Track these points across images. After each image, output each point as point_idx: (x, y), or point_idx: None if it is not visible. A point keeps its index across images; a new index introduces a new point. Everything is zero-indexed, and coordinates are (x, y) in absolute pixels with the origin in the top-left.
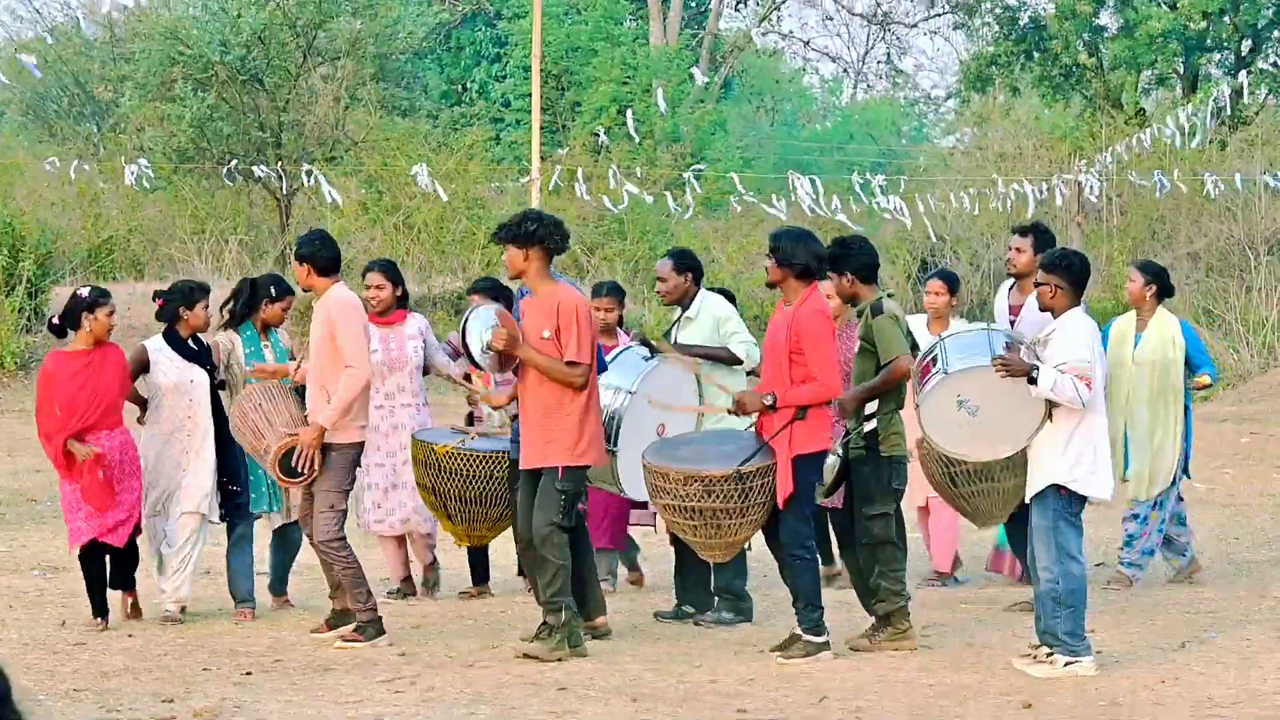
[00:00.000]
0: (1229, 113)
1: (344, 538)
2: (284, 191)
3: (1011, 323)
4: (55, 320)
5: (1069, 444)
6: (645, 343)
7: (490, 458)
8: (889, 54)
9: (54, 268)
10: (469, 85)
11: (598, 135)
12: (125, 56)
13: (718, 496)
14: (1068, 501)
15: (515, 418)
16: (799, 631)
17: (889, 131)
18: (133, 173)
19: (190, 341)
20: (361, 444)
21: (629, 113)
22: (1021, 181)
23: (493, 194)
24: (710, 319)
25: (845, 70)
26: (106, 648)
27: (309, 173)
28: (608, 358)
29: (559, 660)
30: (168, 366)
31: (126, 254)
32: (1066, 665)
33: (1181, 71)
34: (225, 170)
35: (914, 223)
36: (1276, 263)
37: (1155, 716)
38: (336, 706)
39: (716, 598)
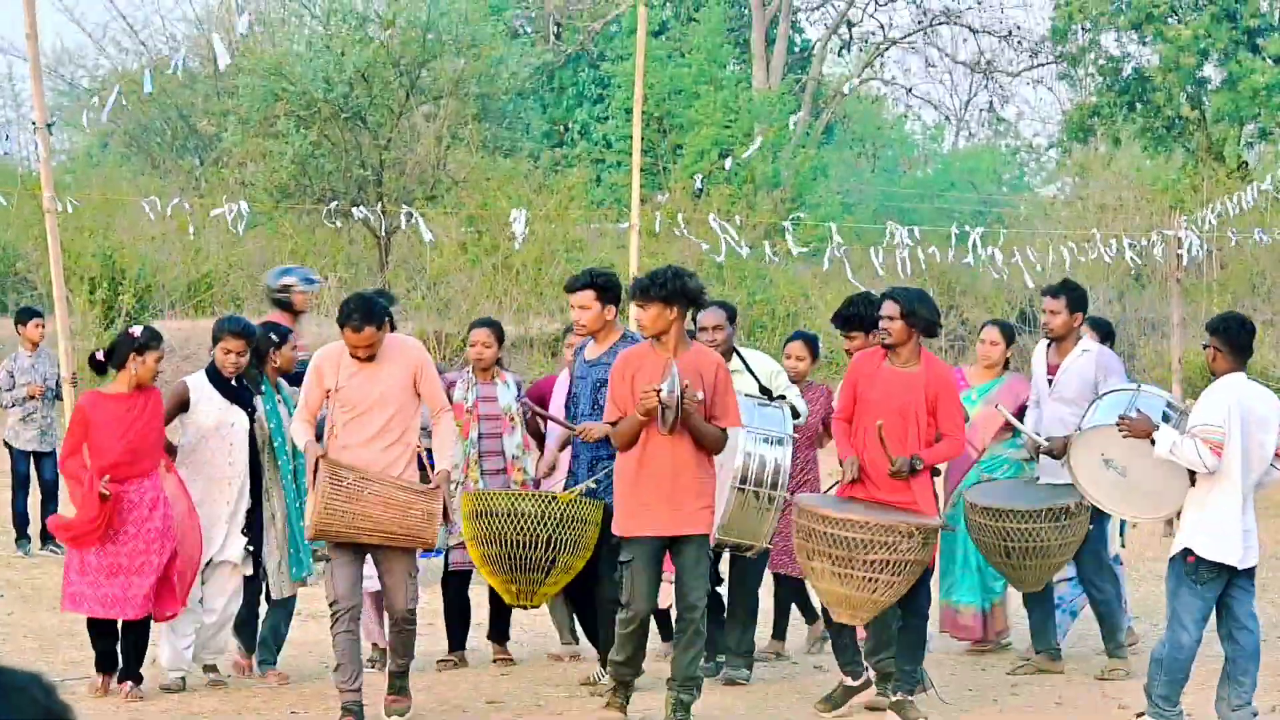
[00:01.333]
0: None
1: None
2: (383, 230)
3: (1049, 382)
4: (100, 356)
5: (1203, 509)
6: (764, 390)
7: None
8: (991, 102)
9: (153, 301)
10: (570, 126)
11: (696, 179)
12: (229, 91)
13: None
14: (1194, 568)
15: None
16: (891, 692)
17: (990, 179)
18: (230, 211)
19: (233, 381)
20: None
21: (726, 159)
22: (1120, 235)
23: (592, 236)
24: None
25: (947, 117)
26: (194, 688)
27: (409, 214)
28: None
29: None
30: (208, 406)
31: (226, 289)
32: None
33: None
34: (325, 210)
35: (1011, 273)
36: None
37: None
38: None
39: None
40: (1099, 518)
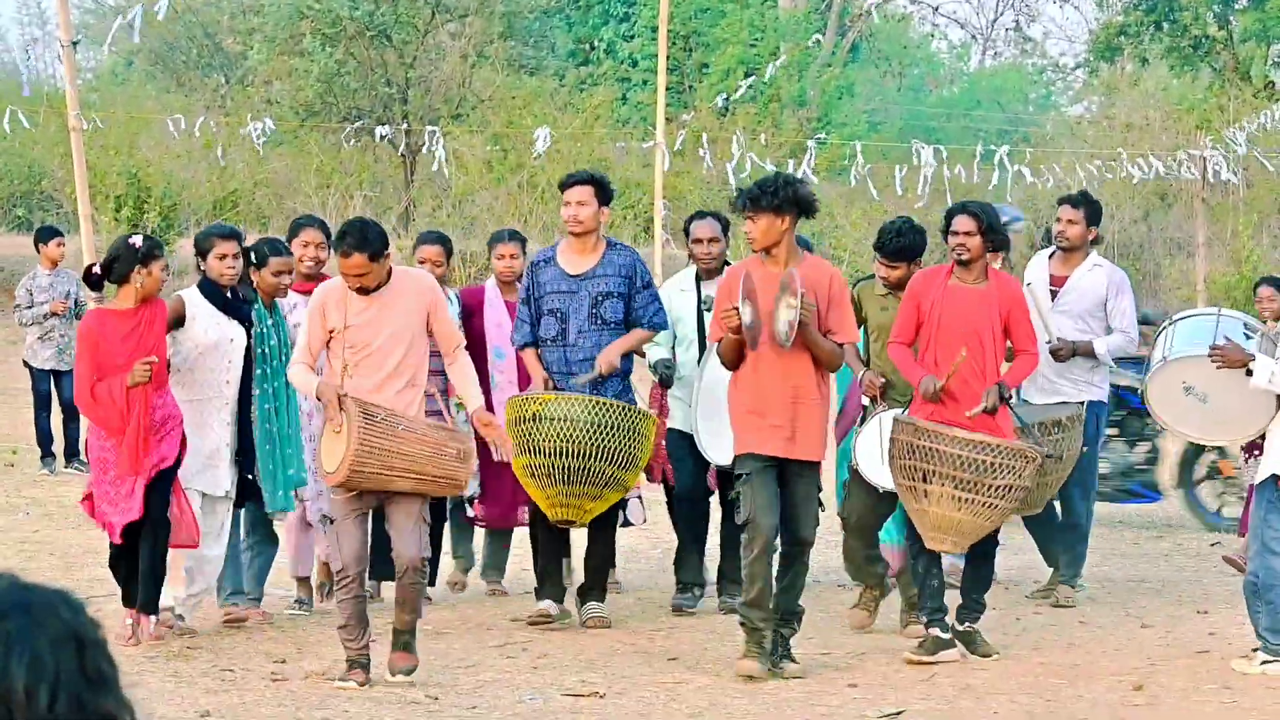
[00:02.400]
0: None
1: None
2: (409, 148)
3: (1053, 293)
4: (96, 270)
5: None
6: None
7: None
8: (1018, 21)
9: (178, 220)
10: (596, 45)
11: (724, 98)
12: (254, 9)
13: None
14: None
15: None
16: (959, 622)
17: (1016, 99)
18: (256, 129)
19: (228, 294)
20: None
21: (750, 78)
22: (1147, 154)
23: (617, 154)
24: None
25: (973, 36)
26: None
27: (433, 133)
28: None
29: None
30: (206, 322)
31: (251, 207)
32: (1264, 664)
33: None
34: (350, 129)
35: (1038, 193)
36: None
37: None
38: (449, 671)
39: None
40: (1092, 443)
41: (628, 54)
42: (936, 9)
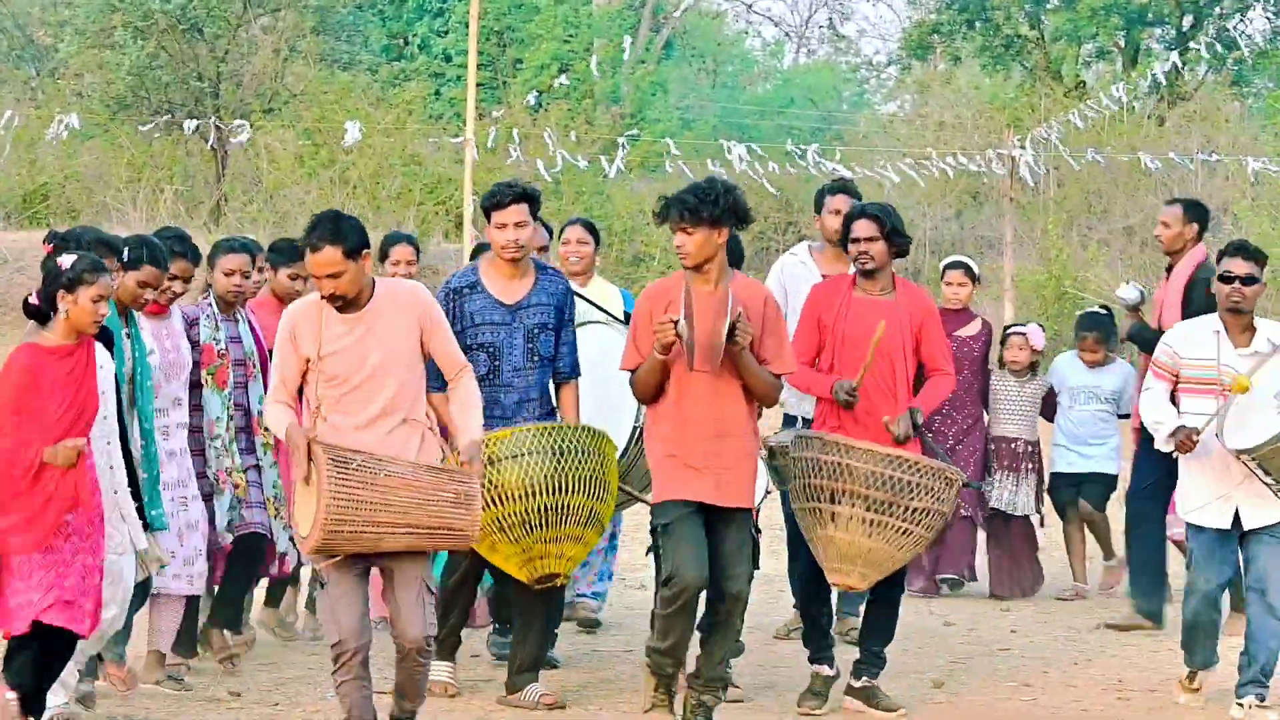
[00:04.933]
0: (1167, 88)
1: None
2: (220, 143)
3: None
4: (33, 300)
5: None
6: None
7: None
8: (831, 18)
9: None
10: (410, 40)
11: (536, 94)
12: (65, 1)
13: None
14: None
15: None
16: (855, 677)
17: (830, 97)
18: (61, 124)
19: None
20: None
21: (562, 75)
22: (956, 153)
23: (430, 150)
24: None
25: (787, 34)
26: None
27: (241, 127)
28: None
29: None
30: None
31: (61, 200)
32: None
33: (1122, 45)
34: (160, 123)
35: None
36: (1210, 239)
37: None
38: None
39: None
40: None
41: (441, 49)
42: (750, 6)
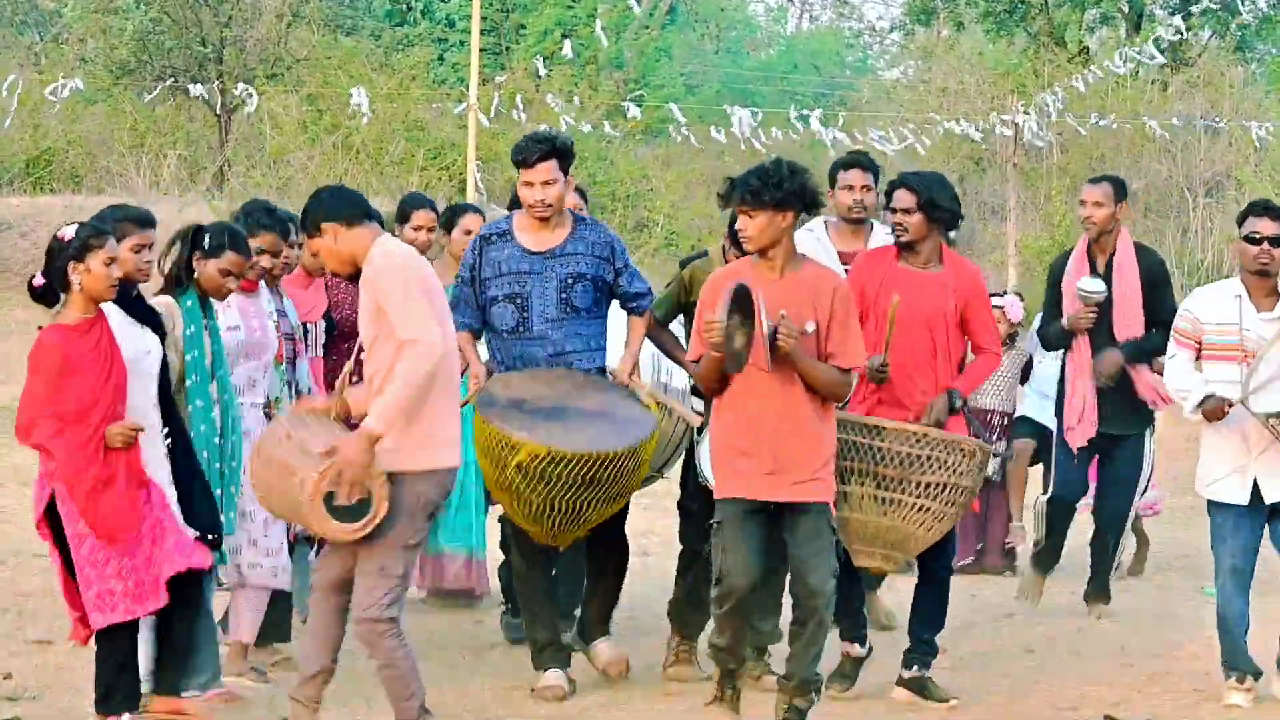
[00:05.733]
0: (1171, 54)
1: (396, 619)
2: (223, 108)
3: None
4: (37, 281)
5: None
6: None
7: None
8: None
9: None
10: (413, 5)
11: (538, 61)
12: None
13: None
14: None
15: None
16: (906, 666)
17: (833, 62)
18: (64, 87)
19: (136, 295)
20: (448, 470)
21: (566, 40)
22: (959, 120)
23: (433, 115)
24: None
25: None
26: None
27: (247, 91)
28: None
29: None
30: (121, 334)
31: (65, 166)
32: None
33: (1126, 11)
34: (163, 88)
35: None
36: (1213, 205)
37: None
38: None
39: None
40: None
41: (444, 14)
42: None
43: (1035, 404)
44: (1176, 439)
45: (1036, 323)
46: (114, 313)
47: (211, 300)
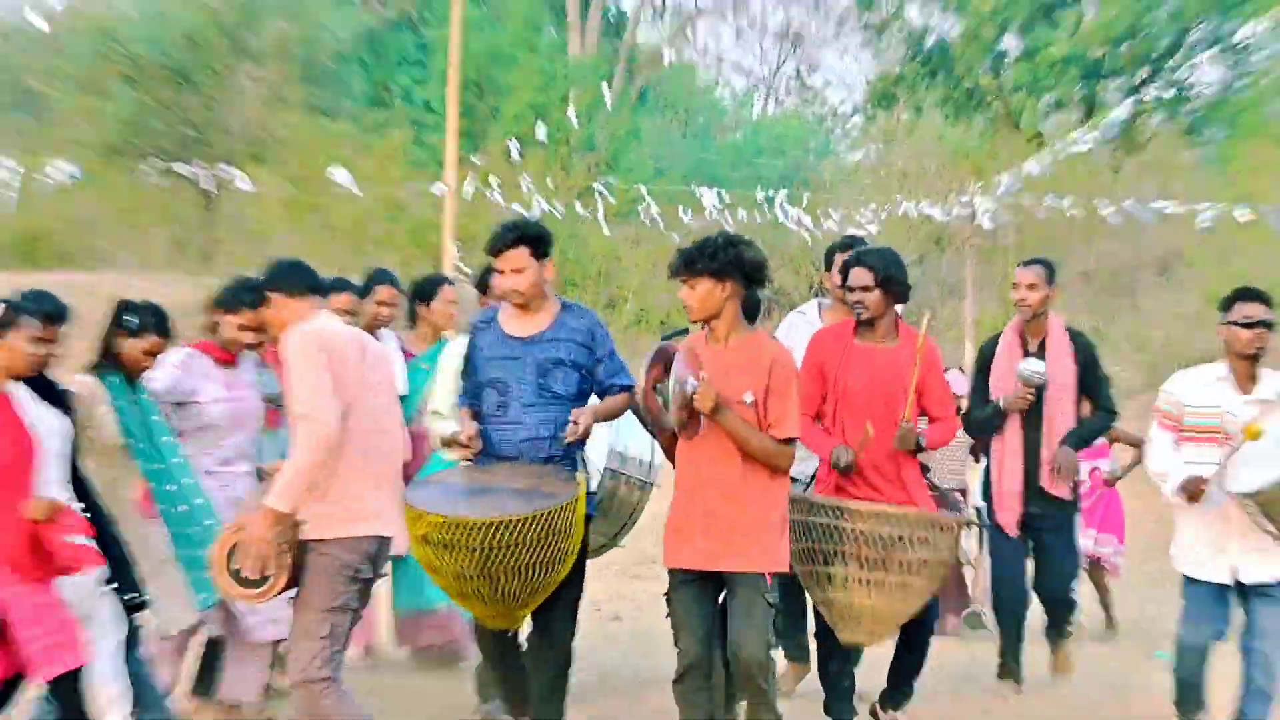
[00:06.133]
0: (1123, 137)
1: (331, 679)
2: (213, 188)
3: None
4: None
5: None
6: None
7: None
8: (799, 69)
9: None
10: (392, 89)
11: (512, 144)
12: (56, 49)
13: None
14: None
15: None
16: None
17: (797, 145)
18: (62, 168)
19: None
20: (370, 539)
21: (540, 123)
22: (919, 201)
23: (410, 196)
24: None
25: (757, 85)
26: None
27: (232, 171)
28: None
29: None
30: (34, 412)
31: (54, 243)
32: None
33: (1079, 97)
34: (154, 167)
35: (819, 236)
36: (1163, 284)
37: None
38: None
39: None
40: None
41: (423, 98)
42: (720, 59)
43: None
44: (1144, 508)
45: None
46: (25, 394)
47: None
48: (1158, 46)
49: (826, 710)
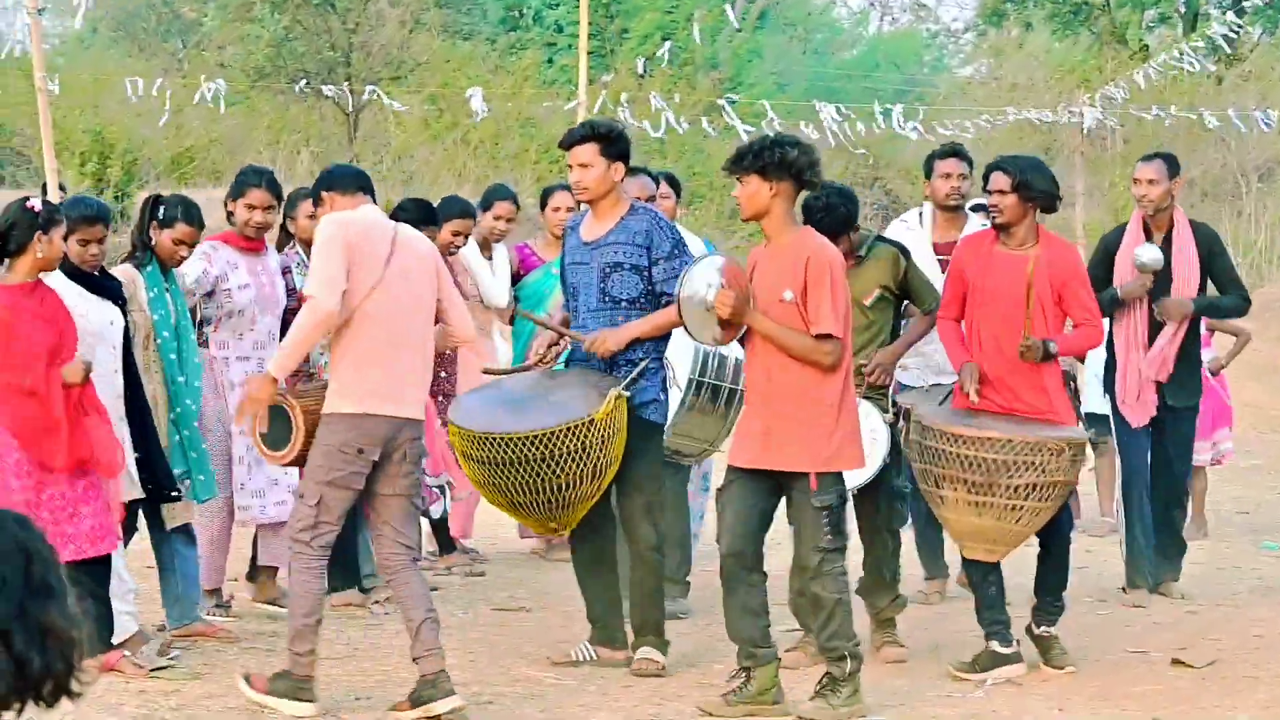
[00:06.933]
0: (1226, 49)
1: (305, 543)
2: (351, 108)
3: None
4: None
5: None
6: None
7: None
8: None
9: (139, 173)
10: (525, 12)
11: (640, 63)
12: None
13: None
14: None
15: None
16: (1035, 625)
17: (912, 61)
18: (209, 90)
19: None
20: (378, 419)
21: (666, 43)
22: (1030, 111)
23: (544, 114)
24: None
25: (872, 3)
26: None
27: (374, 93)
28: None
29: None
30: (82, 306)
31: (206, 162)
32: None
33: (1182, 11)
34: (298, 88)
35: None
36: (1265, 190)
37: None
38: None
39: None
40: None
41: (554, 21)
42: None
43: (1098, 395)
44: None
45: None
46: (75, 289)
47: (173, 270)
48: None
49: (979, 616)
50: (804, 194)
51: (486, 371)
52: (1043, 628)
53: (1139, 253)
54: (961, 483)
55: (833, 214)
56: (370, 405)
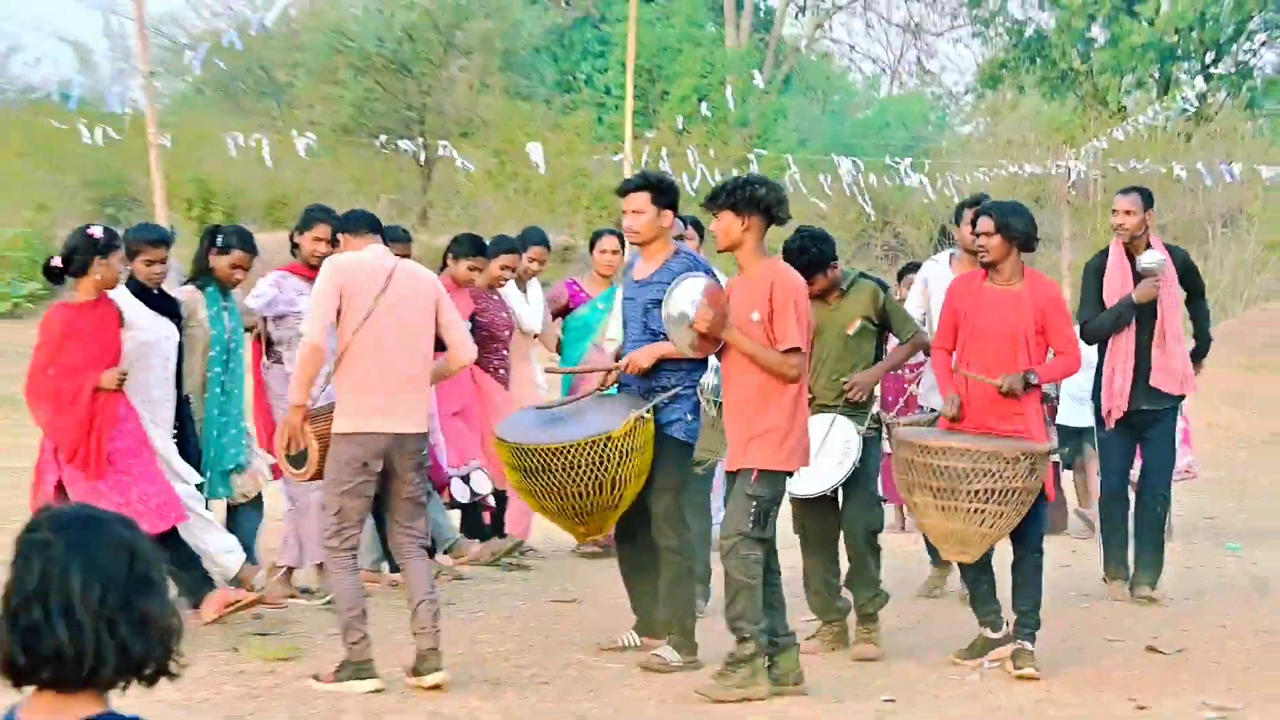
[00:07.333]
0: (1195, 111)
1: (336, 549)
2: (425, 160)
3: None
4: (55, 262)
5: None
6: None
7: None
8: (919, 57)
9: (239, 217)
10: (577, 77)
11: (679, 121)
12: (298, 45)
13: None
14: None
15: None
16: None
17: (919, 120)
18: (302, 144)
19: (156, 292)
20: (381, 435)
21: (702, 104)
22: (1022, 165)
23: (594, 166)
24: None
25: (883, 69)
26: None
27: (445, 146)
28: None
29: (742, 700)
30: (142, 320)
31: (297, 207)
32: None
33: (1156, 76)
34: (378, 142)
35: (937, 197)
36: (1229, 235)
37: None
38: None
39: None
40: None
41: (603, 84)
42: (853, 48)
43: (1069, 409)
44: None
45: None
46: (138, 305)
47: (230, 291)
48: (1223, 33)
49: (974, 609)
50: (780, 231)
51: (549, 371)
52: (1019, 640)
53: (1142, 259)
54: (929, 489)
55: (805, 255)
56: (368, 424)
